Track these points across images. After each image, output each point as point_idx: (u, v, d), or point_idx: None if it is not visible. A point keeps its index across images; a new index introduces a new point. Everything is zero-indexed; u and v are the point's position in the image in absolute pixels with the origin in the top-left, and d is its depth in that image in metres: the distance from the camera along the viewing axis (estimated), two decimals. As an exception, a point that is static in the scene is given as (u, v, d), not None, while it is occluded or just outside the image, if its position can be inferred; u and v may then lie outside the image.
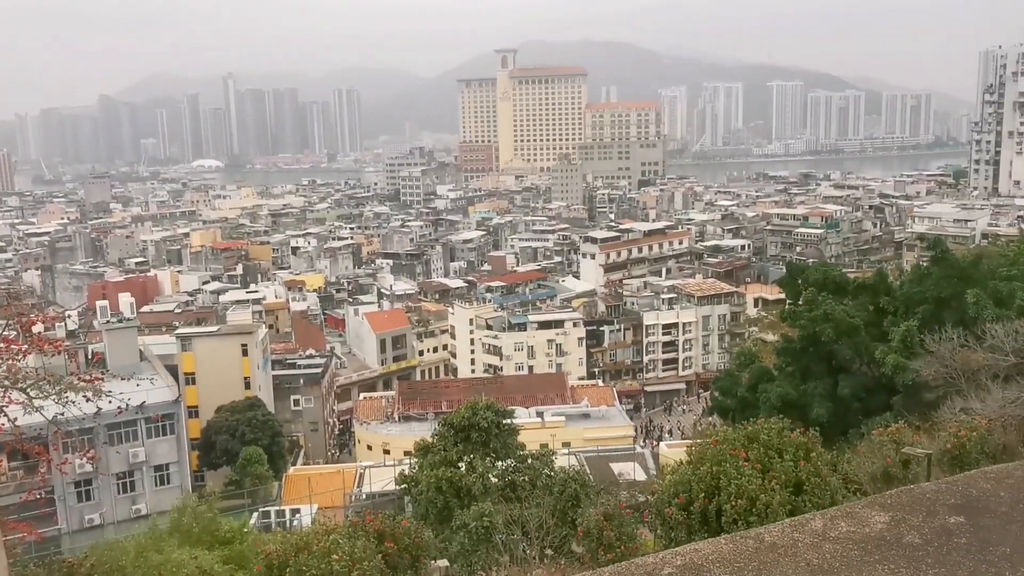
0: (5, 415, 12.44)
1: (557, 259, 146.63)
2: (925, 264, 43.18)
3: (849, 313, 36.93)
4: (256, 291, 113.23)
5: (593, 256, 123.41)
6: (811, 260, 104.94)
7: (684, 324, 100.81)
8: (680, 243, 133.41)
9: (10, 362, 13.19)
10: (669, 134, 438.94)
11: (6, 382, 12.94)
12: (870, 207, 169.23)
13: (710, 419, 58.67)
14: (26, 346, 13.84)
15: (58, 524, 48.19)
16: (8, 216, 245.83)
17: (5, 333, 14.44)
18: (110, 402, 15.15)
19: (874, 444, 18.56)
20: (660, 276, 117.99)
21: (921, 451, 14.44)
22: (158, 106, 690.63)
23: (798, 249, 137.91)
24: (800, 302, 40.94)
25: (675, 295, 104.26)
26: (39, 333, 14.63)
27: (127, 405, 18.95)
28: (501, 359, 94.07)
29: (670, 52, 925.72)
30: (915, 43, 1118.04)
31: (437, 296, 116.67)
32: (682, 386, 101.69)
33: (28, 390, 13.12)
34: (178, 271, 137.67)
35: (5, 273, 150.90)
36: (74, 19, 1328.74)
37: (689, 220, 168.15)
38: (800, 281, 42.92)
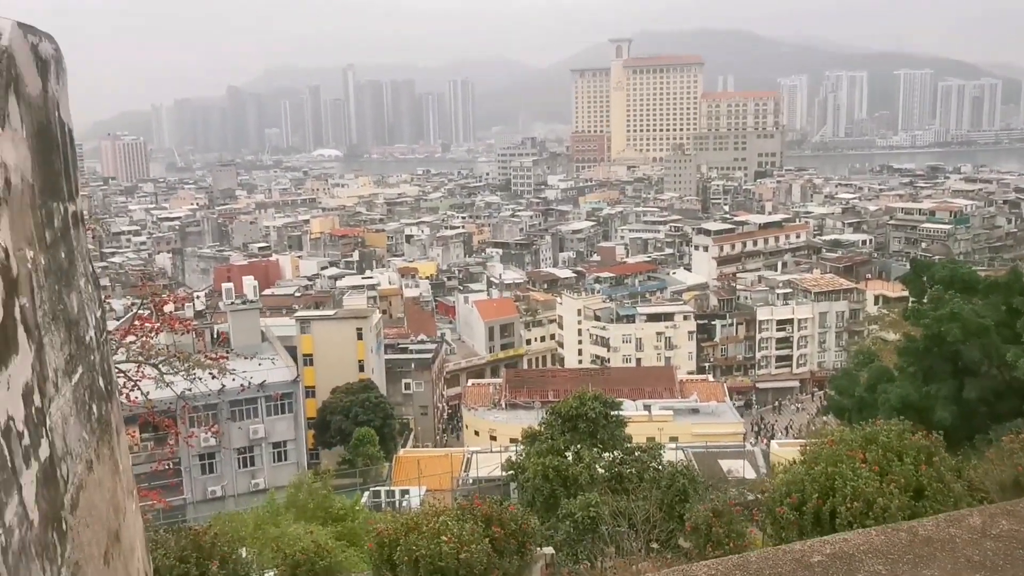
0: (139, 389, 13.21)
1: (668, 251, 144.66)
2: (1065, 263, 40.59)
3: (979, 313, 35.07)
4: (371, 277, 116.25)
5: (706, 248, 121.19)
6: (937, 257, 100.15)
7: (800, 320, 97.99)
8: (797, 237, 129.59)
9: (144, 339, 14.02)
10: (788, 124, 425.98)
11: (140, 357, 13.75)
12: (1004, 202, 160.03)
13: (824, 419, 56.87)
14: (159, 324, 14.69)
15: (183, 494, 50.87)
16: (143, 201, 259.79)
17: (140, 312, 15.36)
18: (233, 380, 15.89)
19: (1003, 451, 17.65)
20: (776, 270, 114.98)
21: (1054, 460, 13.63)
22: (282, 97, 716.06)
23: (923, 245, 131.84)
24: (925, 300, 39.12)
25: (791, 290, 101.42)
26: (170, 313, 15.48)
27: (249, 383, 19.84)
28: (608, 350, 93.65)
29: (791, 40, 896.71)
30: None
31: (545, 286, 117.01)
32: (795, 384, 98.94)
33: (160, 366, 13.92)
34: (298, 256, 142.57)
35: (140, 255, 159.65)
36: (207, 14, 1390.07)
37: (807, 213, 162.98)
38: (925, 278, 41.00)
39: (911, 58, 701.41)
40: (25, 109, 3.10)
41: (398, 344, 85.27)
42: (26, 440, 2.68)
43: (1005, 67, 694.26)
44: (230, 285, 78.27)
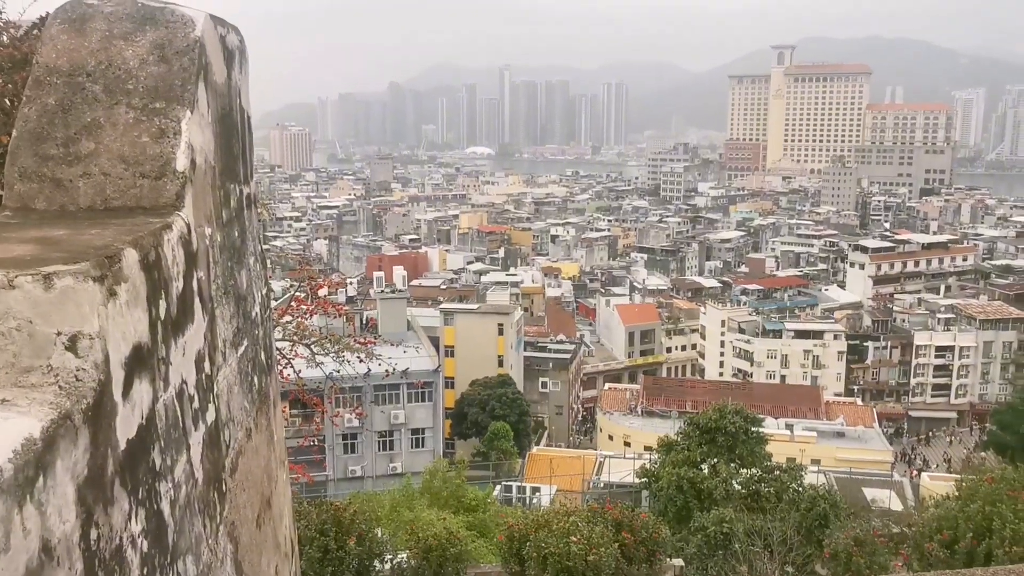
0: (292, 367, 13.87)
1: (822, 266, 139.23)
2: None
3: None
4: (515, 274, 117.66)
5: (862, 266, 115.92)
6: None
7: (961, 348, 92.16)
8: (964, 259, 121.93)
9: (299, 319, 14.72)
10: (960, 140, 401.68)
11: (295, 337, 14.45)
12: None
13: (984, 454, 53.28)
14: (313, 307, 15.40)
15: (326, 471, 53.13)
16: (305, 190, 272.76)
17: (297, 294, 16.15)
18: (379, 365, 16.44)
19: None
20: (938, 293, 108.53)
21: None
22: (439, 94, 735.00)
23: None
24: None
25: (953, 315, 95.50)
26: (324, 296, 16.19)
27: (393, 369, 20.48)
28: (752, 365, 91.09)
29: (970, 51, 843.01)
30: None
31: (689, 294, 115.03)
32: (952, 415, 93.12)
33: (312, 346, 14.57)
34: (446, 250, 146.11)
35: (299, 240, 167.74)
36: (371, 12, 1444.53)
37: (977, 235, 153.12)
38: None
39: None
40: (212, 96, 3.31)
41: (537, 343, 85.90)
42: (196, 404, 2.87)
43: None
44: (381, 274, 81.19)
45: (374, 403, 53.80)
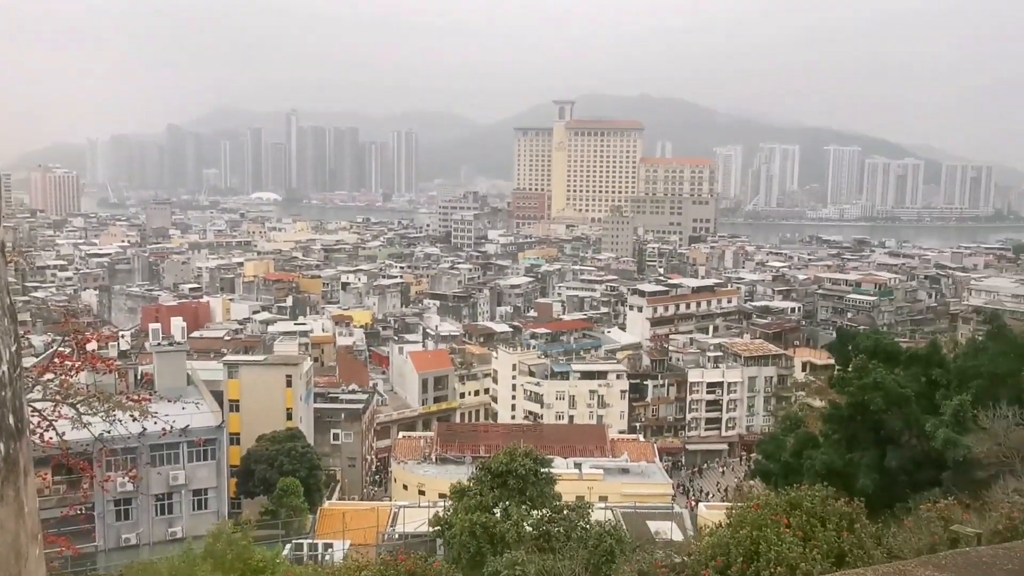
0: (54, 429, 12.70)
1: (604, 310, 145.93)
2: (981, 338, 42.13)
3: (900, 383, 36.06)
4: (304, 323, 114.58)
5: (640, 309, 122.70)
6: (862, 327, 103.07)
7: (729, 384, 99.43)
8: (729, 301, 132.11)
9: (63, 377, 13.51)
10: (722, 192, 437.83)
11: (57, 396, 13.24)
12: (925, 277, 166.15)
13: (751, 482, 57.47)
14: (79, 363, 14.19)
15: (96, 541, 48.68)
16: (72, 236, 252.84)
17: (60, 349, 14.84)
18: (155, 423, 15.39)
19: (921, 520, 18.02)
20: (707, 333, 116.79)
21: (971, 530, 13.95)
22: (223, 138, 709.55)
23: (849, 315, 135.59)
24: (849, 369, 40.12)
25: (721, 353, 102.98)
26: (93, 351, 14.98)
27: (171, 427, 19.22)
28: (542, 407, 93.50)
29: (727, 111, 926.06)
30: (978, 115, 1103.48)
31: (482, 339, 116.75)
32: (724, 447, 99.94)
33: (78, 406, 13.40)
34: (230, 299, 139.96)
35: (64, 291, 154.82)
36: (149, 50, 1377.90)
37: (739, 279, 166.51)
38: (850, 347, 42.12)
39: (840, 135, 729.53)
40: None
41: (329, 393, 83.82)
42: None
43: (926, 149, 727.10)
44: (157, 325, 76.35)
45: (151, 464, 50.12)
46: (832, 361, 53.19)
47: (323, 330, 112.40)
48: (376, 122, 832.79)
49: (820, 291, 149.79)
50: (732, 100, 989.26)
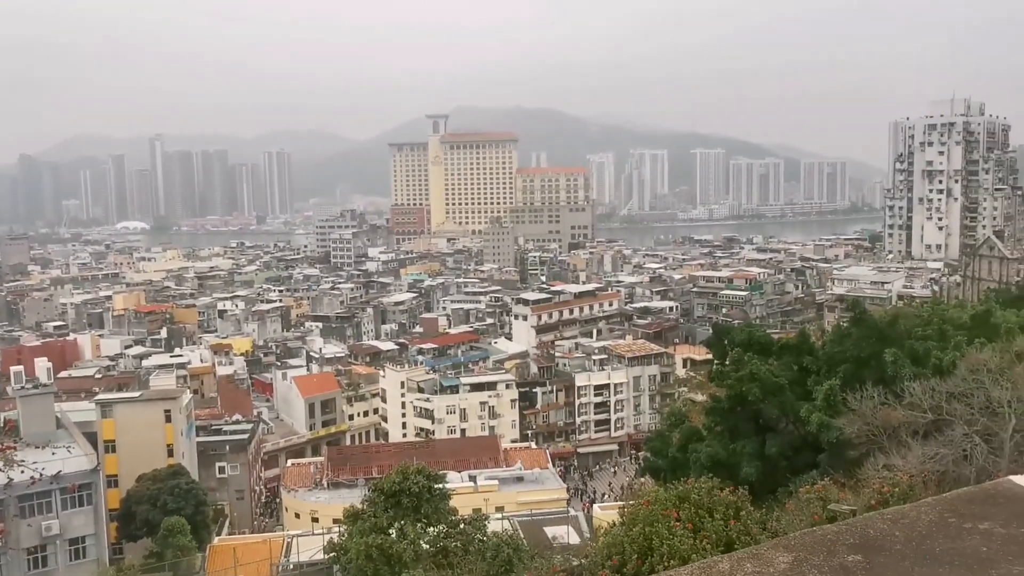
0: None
1: (489, 321, 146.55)
2: (845, 325, 44.51)
3: (774, 373, 37.66)
4: (181, 355, 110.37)
5: (525, 318, 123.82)
6: (736, 321, 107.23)
7: (615, 385, 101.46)
8: (610, 305, 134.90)
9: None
10: (597, 198, 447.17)
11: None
12: (791, 270, 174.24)
13: (642, 480, 58.80)
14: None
15: (-39, 605, 45.37)
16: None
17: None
18: (22, 472, 14.54)
19: (801, 502, 18.86)
20: (591, 337, 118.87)
21: (847, 507, 14.68)
22: (81, 166, 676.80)
23: (724, 311, 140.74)
24: (727, 362, 41.63)
25: (606, 356, 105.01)
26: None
27: (40, 475, 18.20)
28: (433, 422, 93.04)
29: (598, 119, 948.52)
30: (830, 114, 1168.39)
31: (368, 359, 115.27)
32: (615, 447, 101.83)
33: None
34: (99, 335, 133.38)
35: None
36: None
37: (618, 282, 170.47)
38: (726, 342, 43.73)
39: (705, 138, 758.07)
40: None
41: (211, 425, 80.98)
42: None
43: (786, 148, 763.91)
44: (20, 368, 71.94)
45: (19, 516, 47.09)
46: (711, 356, 55.04)
47: (201, 360, 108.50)
48: (246, 143, 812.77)
49: (695, 289, 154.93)
50: (602, 109, 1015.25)
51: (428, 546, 21.43)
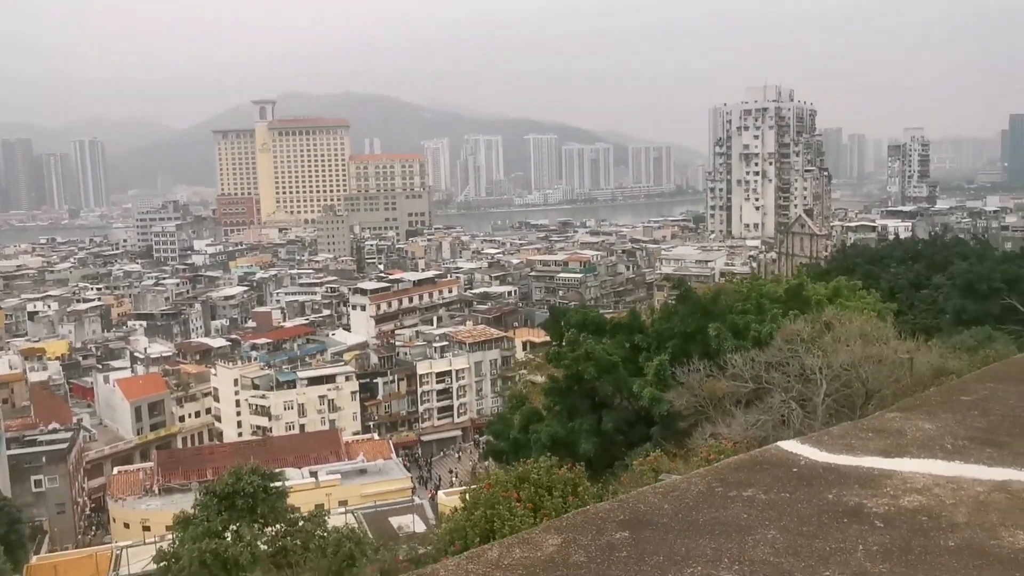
0: None
1: (326, 312, 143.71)
2: (672, 303, 46.49)
3: (608, 351, 38.83)
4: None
5: (363, 307, 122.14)
6: (572, 303, 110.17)
7: (457, 371, 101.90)
8: (450, 291, 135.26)
9: None
10: (434, 185, 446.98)
11: None
12: (623, 251, 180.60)
13: (485, 463, 59.45)
14: None
15: None
16: None
17: None
18: None
19: (635, 474, 19.51)
20: (432, 325, 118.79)
21: (676, 477, 15.23)
22: None
23: (560, 293, 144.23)
24: (563, 343, 42.59)
25: (447, 343, 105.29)
26: None
27: None
28: (270, 419, 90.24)
29: (431, 105, 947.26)
30: (655, 100, 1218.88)
31: (198, 357, 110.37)
32: (458, 433, 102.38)
33: None
34: None
35: None
36: None
37: (457, 269, 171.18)
38: (562, 323, 44.68)
39: (539, 124, 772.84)
40: None
41: (24, 436, 75.22)
42: None
43: (614, 134, 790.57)
44: None
45: None
46: (548, 338, 56.17)
47: (10, 367, 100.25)
48: (52, 133, 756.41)
49: (533, 273, 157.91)
50: (435, 95, 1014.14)
51: (266, 547, 20.64)
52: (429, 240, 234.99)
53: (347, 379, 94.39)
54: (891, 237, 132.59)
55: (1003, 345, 35.11)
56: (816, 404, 29.23)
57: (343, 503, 52.42)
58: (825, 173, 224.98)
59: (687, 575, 2.60)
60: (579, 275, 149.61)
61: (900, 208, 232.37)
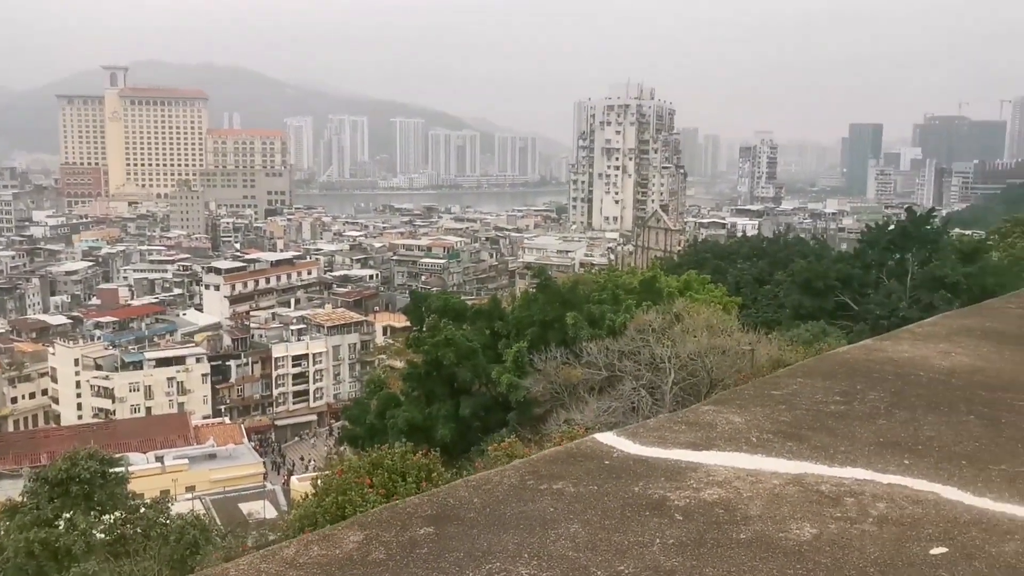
0: None
1: (177, 291, 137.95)
2: (533, 291, 47.23)
3: (468, 338, 39.12)
4: None
5: (217, 287, 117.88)
6: (435, 289, 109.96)
7: (314, 355, 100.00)
8: (309, 273, 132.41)
9: None
10: (296, 164, 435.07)
11: None
12: (487, 239, 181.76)
13: (341, 449, 58.78)
14: None
15: None
16: None
17: None
18: None
19: (490, 459, 19.78)
20: (289, 307, 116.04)
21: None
22: None
23: (423, 278, 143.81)
24: (424, 329, 42.61)
25: (304, 326, 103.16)
26: None
27: None
28: (114, 402, 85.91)
29: (295, 82, 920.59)
30: (522, 92, 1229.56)
31: (34, 335, 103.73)
32: (314, 418, 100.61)
33: None
34: None
35: None
36: None
37: (318, 250, 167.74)
38: (424, 309, 44.68)
39: (406, 107, 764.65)
40: None
41: None
42: None
43: (481, 121, 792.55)
44: None
45: None
46: (409, 323, 55.97)
47: None
48: None
49: (395, 257, 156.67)
50: (299, 72, 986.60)
51: (103, 535, 19.69)
52: (289, 220, 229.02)
53: (198, 361, 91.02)
54: (739, 234, 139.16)
55: (835, 339, 37.51)
56: (664, 392, 30.49)
57: (190, 489, 50.77)
58: (681, 171, 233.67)
59: (485, 571, 2.59)
60: (442, 261, 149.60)
61: (748, 207, 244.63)
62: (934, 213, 74.30)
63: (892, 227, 64.28)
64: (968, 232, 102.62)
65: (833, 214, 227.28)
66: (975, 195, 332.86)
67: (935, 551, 2.55)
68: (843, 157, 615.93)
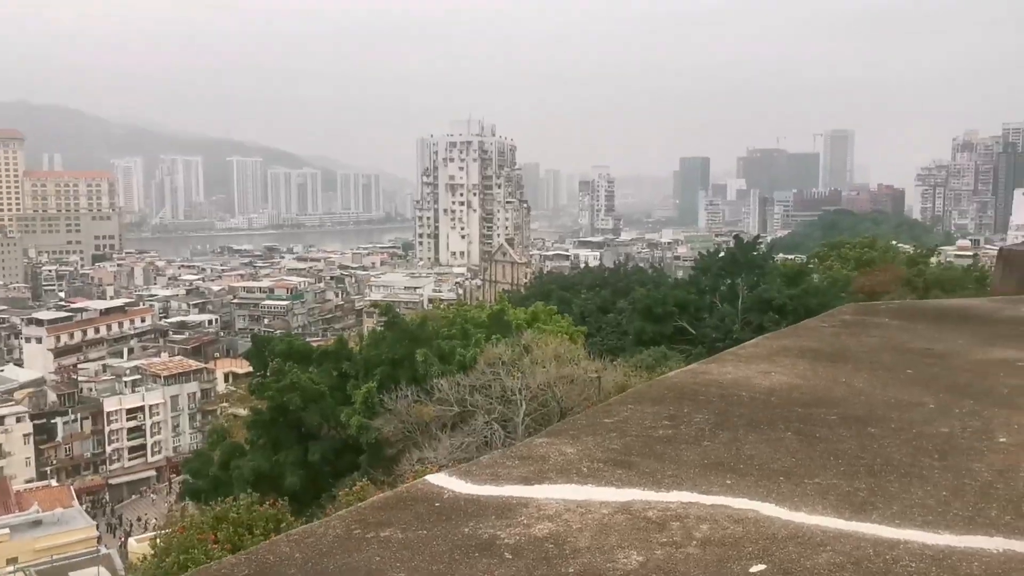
0: None
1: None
2: (381, 329, 46.70)
3: (314, 380, 38.20)
4: None
5: (39, 340, 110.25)
6: (279, 331, 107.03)
7: (151, 407, 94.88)
8: (143, 320, 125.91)
9: None
10: (125, 206, 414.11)
11: None
12: (331, 278, 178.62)
13: (183, 504, 55.78)
14: None
15: None
16: None
17: None
18: None
19: (341, 504, 19.27)
20: (122, 357, 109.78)
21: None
22: None
23: (266, 321, 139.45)
24: (267, 374, 41.28)
25: (140, 376, 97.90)
26: None
27: None
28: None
29: (120, 120, 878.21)
30: (362, 128, 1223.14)
31: None
32: (152, 473, 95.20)
33: None
34: None
35: None
36: None
37: (152, 296, 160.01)
38: (267, 352, 43.33)
39: (242, 145, 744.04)
40: None
41: None
42: None
43: (322, 159, 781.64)
44: None
45: None
46: (252, 368, 54.05)
47: None
48: None
49: (236, 300, 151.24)
50: (125, 109, 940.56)
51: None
52: (119, 266, 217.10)
53: (19, 420, 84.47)
54: (582, 265, 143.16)
55: (675, 362, 39.05)
56: (517, 424, 30.76)
57: (12, 561, 46.82)
58: (525, 205, 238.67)
59: (304, 631, 2.49)
60: (285, 302, 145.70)
61: (590, 239, 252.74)
62: (759, 240, 78.98)
63: (722, 254, 67.84)
64: (791, 257, 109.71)
65: (668, 243, 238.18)
66: (795, 222, 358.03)
67: (754, 569, 2.66)
68: (675, 189, 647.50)
